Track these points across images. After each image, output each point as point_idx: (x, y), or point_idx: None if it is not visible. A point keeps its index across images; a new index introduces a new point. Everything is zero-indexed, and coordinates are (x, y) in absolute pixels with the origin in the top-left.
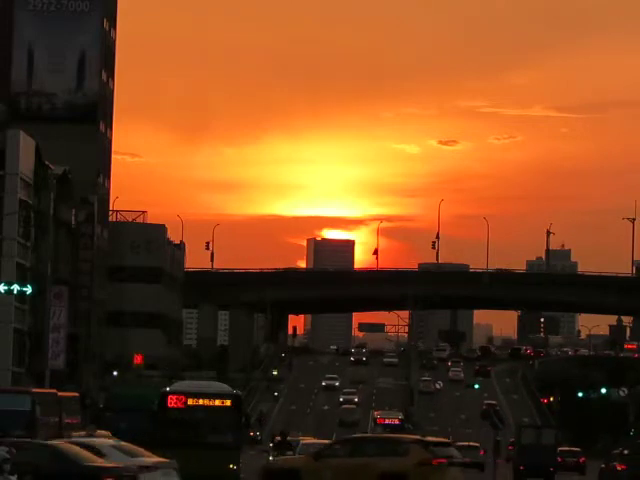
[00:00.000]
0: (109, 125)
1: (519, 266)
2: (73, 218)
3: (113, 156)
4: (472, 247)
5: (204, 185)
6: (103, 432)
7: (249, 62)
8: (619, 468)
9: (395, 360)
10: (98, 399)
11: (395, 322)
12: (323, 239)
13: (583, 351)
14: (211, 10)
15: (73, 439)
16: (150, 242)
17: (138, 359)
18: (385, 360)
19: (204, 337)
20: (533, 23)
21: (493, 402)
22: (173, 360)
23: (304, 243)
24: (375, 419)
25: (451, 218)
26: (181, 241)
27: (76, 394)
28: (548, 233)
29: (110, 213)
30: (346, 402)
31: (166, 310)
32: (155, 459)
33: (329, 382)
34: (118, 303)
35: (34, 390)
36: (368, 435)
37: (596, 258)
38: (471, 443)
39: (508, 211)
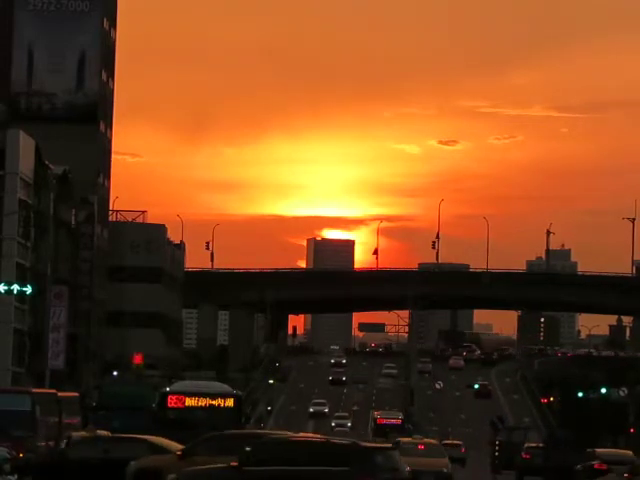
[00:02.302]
0: (109, 125)
1: (519, 266)
2: (73, 218)
3: (113, 156)
4: (472, 247)
5: (204, 185)
6: (103, 432)
7: (249, 62)
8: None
9: (395, 371)
10: (91, 397)
11: (395, 322)
12: (323, 239)
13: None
14: (211, 10)
15: None
16: (150, 242)
17: (138, 359)
18: (384, 372)
19: (204, 337)
20: (533, 23)
21: (486, 383)
22: (173, 360)
23: (304, 243)
24: (375, 419)
25: (451, 218)
26: (181, 241)
27: (76, 394)
28: (548, 233)
29: (110, 213)
30: (338, 426)
31: (166, 310)
32: None
33: (317, 408)
34: (118, 303)
35: (34, 390)
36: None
37: (596, 258)
38: (454, 441)
39: (508, 211)
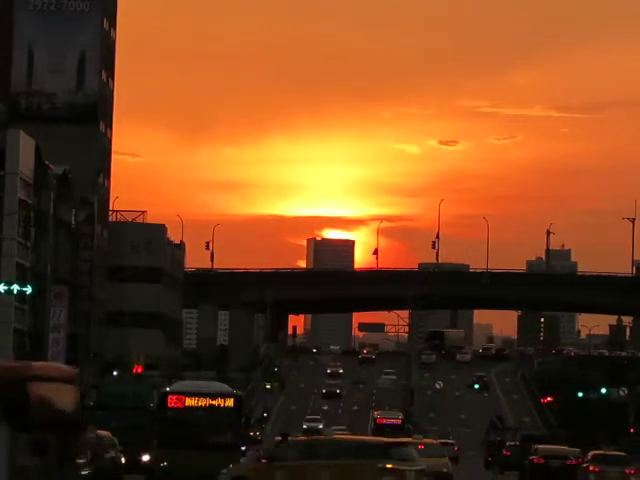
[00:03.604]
0: (109, 125)
1: (519, 266)
2: (73, 218)
3: (113, 156)
4: (472, 247)
5: (204, 185)
6: (103, 432)
7: (249, 62)
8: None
9: (394, 377)
10: (89, 397)
11: (395, 322)
12: (323, 239)
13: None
14: (211, 10)
15: None
16: (150, 242)
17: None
18: (384, 377)
19: (204, 337)
20: (533, 23)
21: (482, 374)
22: (173, 360)
23: (304, 243)
24: (375, 419)
25: (451, 218)
26: (181, 241)
27: None
28: (548, 233)
29: (110, 213)
30: None
31: (166, 310)
32: None
33: (311, 424)
34: (118, 303)
35: None
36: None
37: (596, 258)
38: (447, 440)
39: (508, 211)
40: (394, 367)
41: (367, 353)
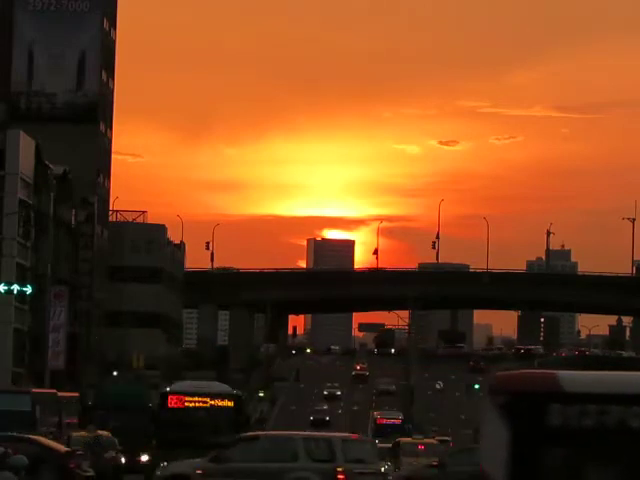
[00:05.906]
0: (109, 125)
1: (519, 266)
2: (73, 218)
3: (113, 156)
4: (472, 247)
5: (204, 185)
6: (103, 432)
7: (249, 62)
8: None
9: (393, 387)
10: (87, 397)
11: (395, 322)
12: (323, 239)
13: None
14: (211, 10)
15: None
16: (150, 242)
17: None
18: (380, 387)
19: (204, 337)
20: (533, 23)
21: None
22: (173, 360)
23: (304, 243)
24: (375, 419)
25: (451, 218)
26: (181, 241)
27: (76, 394)
28: (548, 233)
29: (110, 213)
30: None
31: (166, 310)
32: None
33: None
34: (118, 303)
35: (34, 390)
36: None
37: (596, 258)
38: (444, 437)
39: (508, 211)
40: (392, 368)
41: (360, 370)
